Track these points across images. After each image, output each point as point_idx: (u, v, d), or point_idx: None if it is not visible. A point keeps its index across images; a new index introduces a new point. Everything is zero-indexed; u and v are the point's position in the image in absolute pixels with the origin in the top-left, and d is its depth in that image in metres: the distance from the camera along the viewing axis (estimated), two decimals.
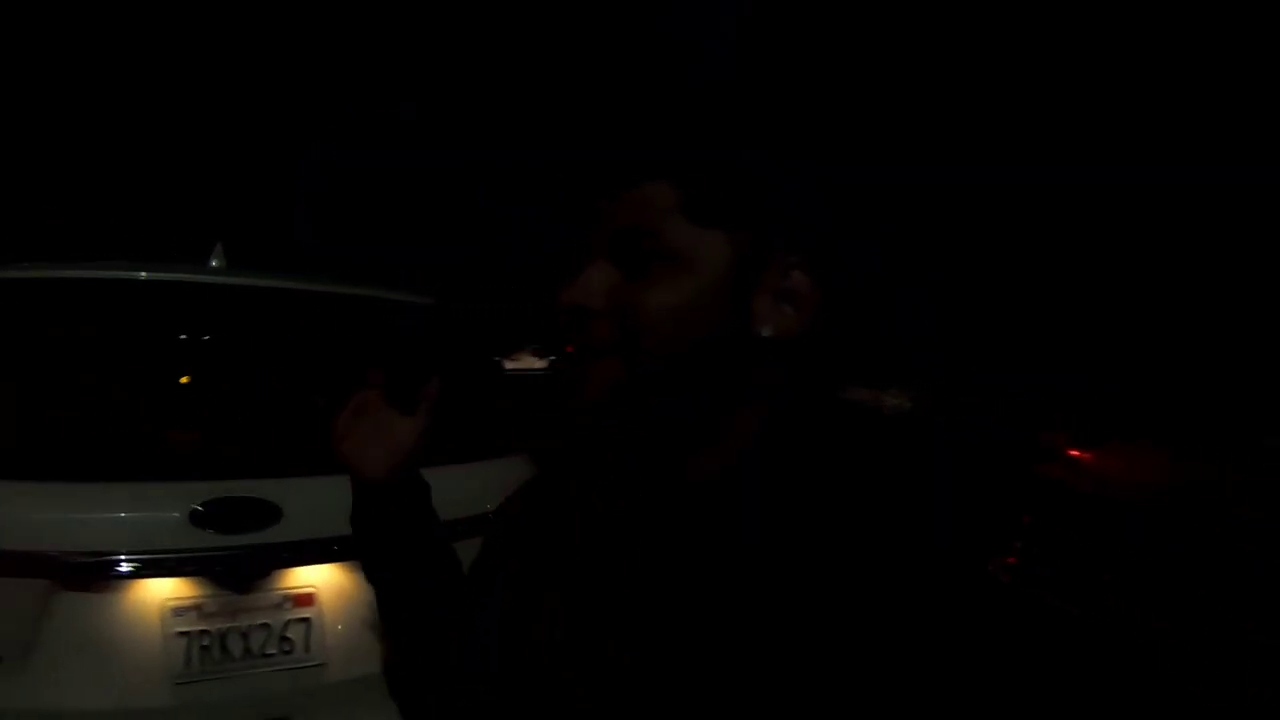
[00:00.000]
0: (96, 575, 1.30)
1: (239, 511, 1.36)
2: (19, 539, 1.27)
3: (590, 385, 0.54)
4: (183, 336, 1.61)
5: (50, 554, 1.28)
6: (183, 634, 1.35)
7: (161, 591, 1.35)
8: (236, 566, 1.38)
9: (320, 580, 1.48)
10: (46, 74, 8.28)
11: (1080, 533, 4.67)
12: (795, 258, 0.55)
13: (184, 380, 1.49)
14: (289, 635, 1.44)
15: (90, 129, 8.48)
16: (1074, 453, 4.84)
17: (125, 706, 1.33)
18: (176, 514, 1.32)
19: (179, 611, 1.35)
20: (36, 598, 1.28)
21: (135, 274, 1.58)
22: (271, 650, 1.43)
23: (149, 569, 1.32)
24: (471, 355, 1.88)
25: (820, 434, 0.56)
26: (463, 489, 1.53)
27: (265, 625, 1.42)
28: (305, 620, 1.46)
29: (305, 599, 1.46)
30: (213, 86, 9.28)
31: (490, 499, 1.46)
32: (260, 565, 1.41)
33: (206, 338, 1.63)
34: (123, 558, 1.30)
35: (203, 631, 1.37)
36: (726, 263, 0.53)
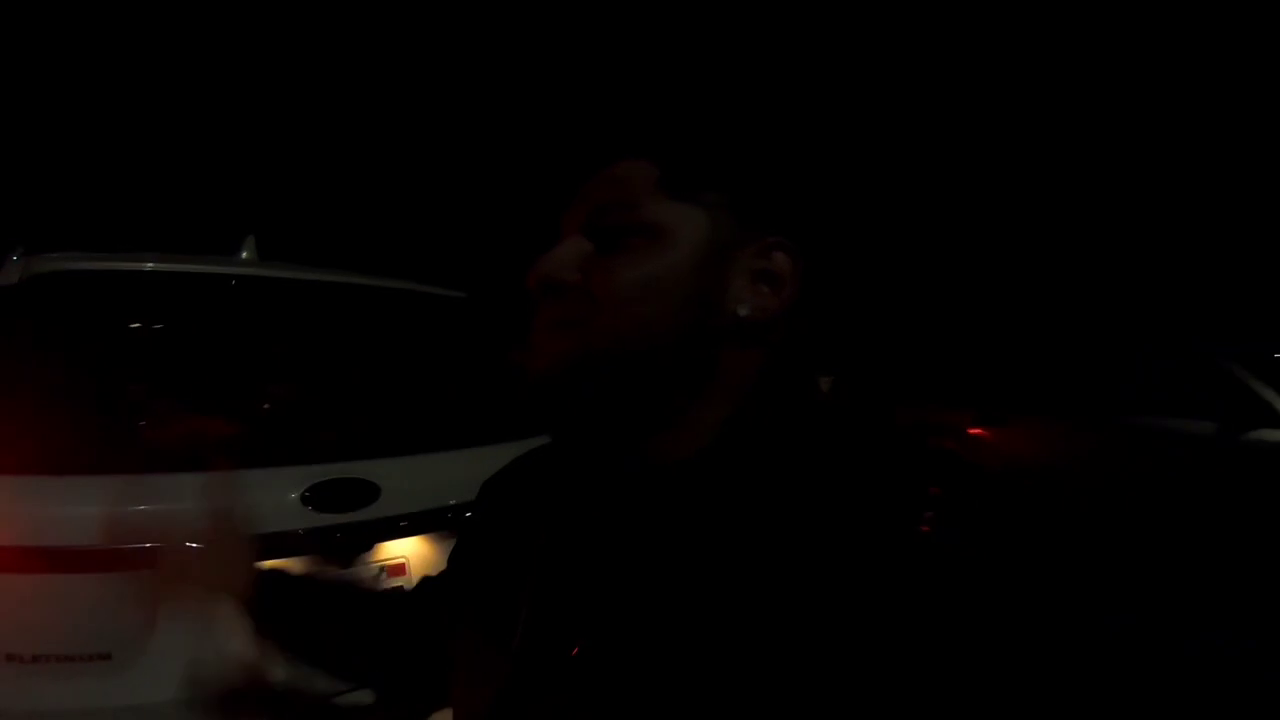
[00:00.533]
0: None
1: (344, 492, 1.46)
2: (134, 534, 1.29)
3: (559, 358, 0.52)
4: (283, 331, 1.67)
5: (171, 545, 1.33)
6: None
7: None
8: (340, 543, 1.48)
9: (410, 551, 1.60)
10: (45, 74, 7.61)
11: (981, 501, 5.42)
12: (776, 238, 0.54)
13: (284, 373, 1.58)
14: None
15: (83, 127, 7.83)
16: (974, 430, 5.57)
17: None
18: (292, 496, 1.41)
19: None
20: (151, 591, 1.29)
21: (230, 270, 1.63)
22: None
23: (265, 551, 1.41)
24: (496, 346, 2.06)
25: (805, 425, 0.54)
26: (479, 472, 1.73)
27: None
28: (399, 589, 1.59)
29: (398, 569, 1.58)
30: (210, 85, 8.69)
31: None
32: (362, 540, 1.51)
33: (305, 332, 1.69)
34: None
35: None
36: (703, 239, 0.52)
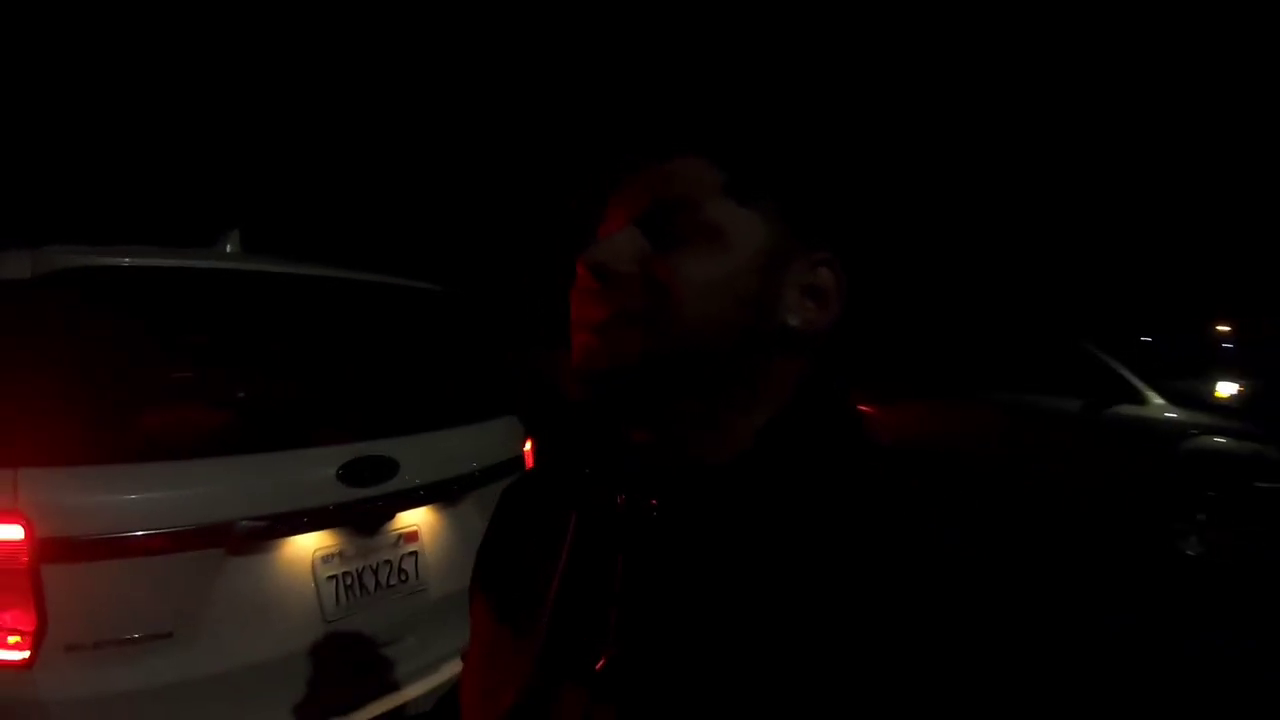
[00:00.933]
0: (263, 536, 1.52)
1: (371, 467, 1.66)
2: (198, 513, 1.44)
3: (627, 353, 0.51)
4: (302, 324, 1.81)
5: (226, 523, 1.46)
6: (331, 578, 1.64)
7: (311, 543, 1.61)
8: (368, 514, 1.69)
9: (421, 520, 1.83)
10: (43, 72, 7.80)
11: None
12: (823, 255, 0.55)
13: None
14: (404, 568, 1.79)
15: (54, 119, 7.67)
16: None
17: (285, 653, 1.56)
18: (329, 473, 1.59)
19: (326, 559, 1.64)
20: (209, 568, 1.46)
21: (252, 267, 1.74)
22: (394, 582, 1.76)
23: (306, 524, 1.58)
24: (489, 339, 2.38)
25: (842, 436, 0.55)
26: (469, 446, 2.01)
27: (388, 561, 1.75)
28: (414, 554, 1.81)
29: (412, 536, 1.81)
30: (185, 79, 8.44)
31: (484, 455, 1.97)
32: (384, 511, 1.72)
33: (331, 325, 1.85)
34: (288, 517, 1.54)
35: (345, 574, 1.67)
36: (761, 246, 0.53)
